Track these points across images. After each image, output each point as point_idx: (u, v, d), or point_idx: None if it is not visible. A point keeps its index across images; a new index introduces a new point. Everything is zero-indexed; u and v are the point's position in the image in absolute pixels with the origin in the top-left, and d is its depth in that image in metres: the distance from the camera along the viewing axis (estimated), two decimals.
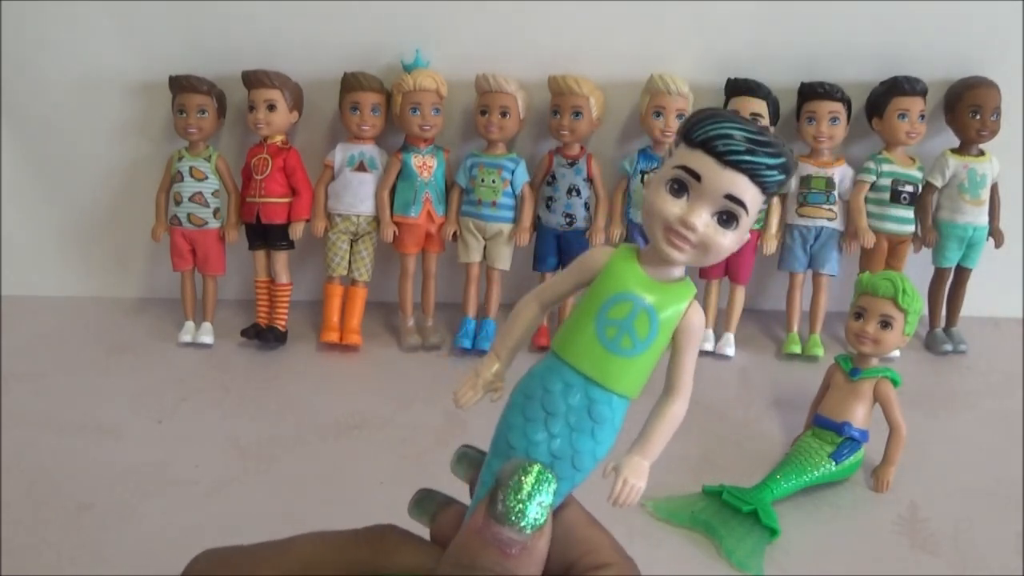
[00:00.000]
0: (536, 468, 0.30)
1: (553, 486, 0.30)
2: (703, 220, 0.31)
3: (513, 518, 0.29)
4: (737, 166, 0.30)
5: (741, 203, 0.31)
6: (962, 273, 1.10)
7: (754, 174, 0.30)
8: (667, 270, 0.32)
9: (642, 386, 0.32)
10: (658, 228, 0.31)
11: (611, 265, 0.32)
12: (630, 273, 0.32)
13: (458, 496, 0.34)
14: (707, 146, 0.30)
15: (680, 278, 0.32)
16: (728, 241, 0.31)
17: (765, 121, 1.03)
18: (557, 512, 0.31)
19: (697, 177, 0.30)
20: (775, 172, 0.31)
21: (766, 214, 1.06)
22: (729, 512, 0.73)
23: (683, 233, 0.31)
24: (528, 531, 0.28)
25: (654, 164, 1.04)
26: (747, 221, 0.31)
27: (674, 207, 0.31)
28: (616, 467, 0.32)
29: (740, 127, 0.30)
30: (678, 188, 0.31)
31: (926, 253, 1.09)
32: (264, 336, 1.03)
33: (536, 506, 0.29)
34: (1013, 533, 0.74)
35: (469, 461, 0.34)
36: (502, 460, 0.32)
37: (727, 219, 0.31)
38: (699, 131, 0.31)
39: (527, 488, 0.29)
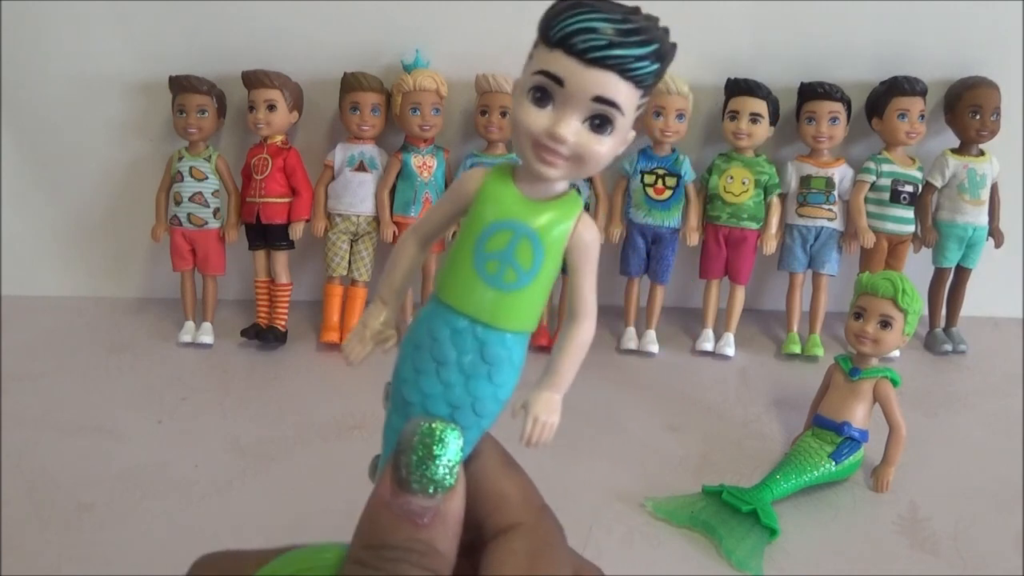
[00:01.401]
0: (438, 425, 0.27)
1: (459, 441, 0.27)
2: (573, 129, 0.27)
3: (420, 483, 0.26)
4: (602, 63, 0.26)
5: (613, 104, 0.27)
6: (962, 273, 1.10)
7: (623, 69, 0.27)
8: (546, 187, 0.29)
9: (537, 316, 0.30)
10: (527, 144, 0.28)
11: (484, 190, 0.29)
12: (505, 196, 0.29)
13: None
14: (566, 44, 0.26)
15: (563, 192, 0.29)
16: (605, 148, 0.28)
17: (765, 121, 1.03)
18: (466, 464, 0.29)
19: (559, 81, 0.27)
20: (647, 62, 0.27)
21: (766, 214, 1.06)
22: (729, 512, 0.73)
23: (552, 147, 0.28)
24: (438, 494, 0.26)
25: (654, 164, 1.05)
26: (624, 123, 0.28)
27: (539, 118, 0.28)
28: (525, 405, 0.30)
29: (601, 16, 0.26)
30: (541, 96, 0.28)
31: (926, 253, 1.09)
32: (264, 336, 1.03)
33: (443, 467, 0.27)
34: (1013, 533, 0.74)
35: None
36: (401, 417, 0.30)
37: (600, 124, 0.28)
38: (556, 27, 0.27)
39: (430, 448, 0.27)
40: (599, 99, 0.27)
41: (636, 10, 0.27)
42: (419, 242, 0.32)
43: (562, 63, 0.27)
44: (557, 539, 0.28)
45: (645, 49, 0.26)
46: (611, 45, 0.26)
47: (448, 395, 0.29)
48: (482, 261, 0.28)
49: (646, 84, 0.27)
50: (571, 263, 0.29)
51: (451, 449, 0.27)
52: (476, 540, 0.28)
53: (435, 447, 0.27)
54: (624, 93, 0.27)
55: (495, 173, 0.30)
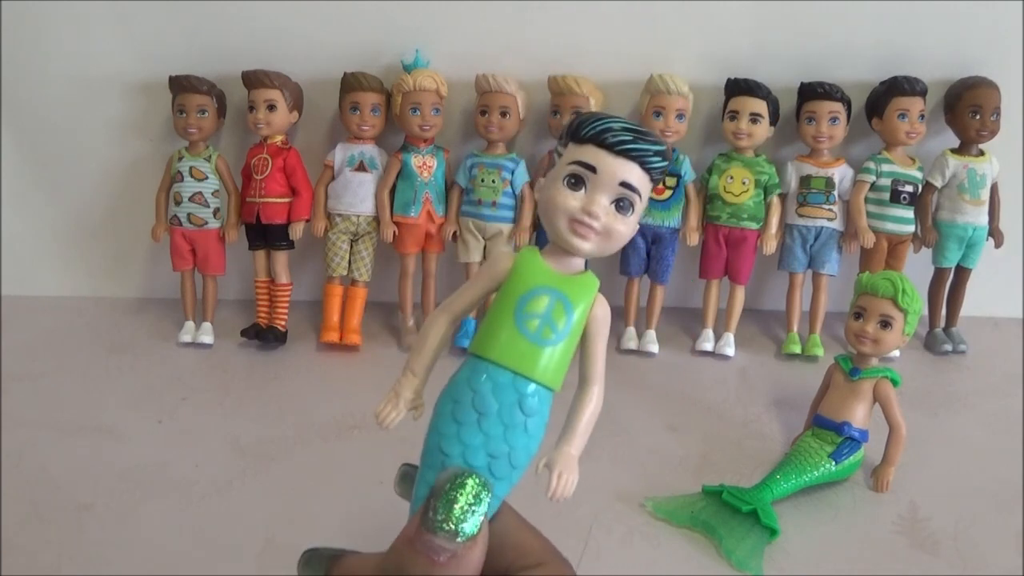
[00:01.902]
0: (472, 478, 0.30)
1: (488, 496, 0.30)
2: (603, 208, 0.33)
3: (446, 527, 0.29)
4: (627, 154, 0.33)
5: (635, 189, 0.33)
6: (962, 273, 1.10)
7: (642, 160, 0.33)
8: (570, 263, 0.35)
9: (562, 376, 0.34)
10: (562, 222, 0.34)
11: (519, 265, 0.34)
12: (539, 269, 0.34)
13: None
14: (597, 140, 0.33)
15: (583, 271, 0.35)
16: (626, 227, 0.34)
17: (765, 121, 1.03)
18: (492, 518, 0.32)
19: (592, 169, 0.33)
20: (659, 158, 0.34)
21: (766, 214, 1.06)
22: (729, 512, 0.73)
23: (588, 222, 0.33)
24: (461, 541, 0.28)
25: None
26: (640, 206, 0.34)
27: (574, 200, 0.33)
28: (548, 463, 0.33)
29: (620, 121, 0.34)
30: (575, 182, 0.34)
31: (926, 253, 1.09)
32: (264, 336, 1.03)
33: (471, 516, 0.29)
34: (1013, 533, 0.74)
35: (412, 479, 0.34)
36: (436, 471, 0.32)
37: (624, 205, 0.34)
38: (587, 128, 0.34)
39: (463, 498, 0.29)
40: (625, 184, 0.33)
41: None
42: (450, 320, 0.36)
43: (594, 154, 0.33)
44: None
45: (658, 147, 0.34)
46: (635, 140, 0.33)
47: (488, 445, 0.32)
48: (523, 320, 0.33)
49: (655, 176, 0.34)
50: (588, 333, 0.34)
51: (481, 502, 0.30)
52: None
53: (468, 496, 0.30)
54: (642, 180, 0.34)
55: (526, 252, 0.35)
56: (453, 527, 0.29)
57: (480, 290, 0.35)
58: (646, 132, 0.34)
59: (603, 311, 0.35)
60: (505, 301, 0.33)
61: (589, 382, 0.35)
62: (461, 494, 0.29)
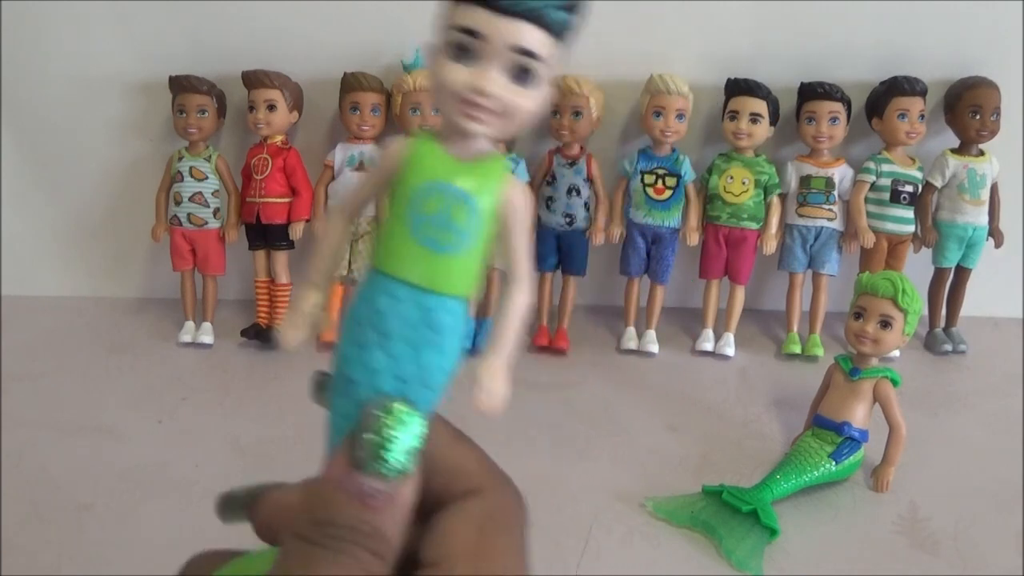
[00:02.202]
0: (399, 407, 0.26)
1: (421, 426, 0.26)
2: (496, 82, 0.27)
3: (376, 465, 0.25)
4: (515, 12, 0.27)
5: (533, 54, 0.27)
6: (962, 273, 1.10)
7: (539, 18, 0.27)
8: (471, 145, 0.29)
9: (476, 281, 0.29)
10: (451, 102, 0.28)
11: (412, 156, 0.29)
12: (434, 159, 0.28)
13: None
14: None
15: (488, 151, 0.29)
16: (530, 101, 0.28)
17: (765, 121, 1.03)
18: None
19: (477, 35, 0.27)
20: (561, 11, 0.27)
21: (766, 214, 1.06)
22: (729, 512, 0.73)
23: (478, 101, 0.27)
24: (393, 478, 0.25)
25: (654, 164, 1.05)
26: (545, 73, 0.28)
27: (462, 75, 0.27)
28: (475, 377, 0.29)
29: None
30: (460, 52, 0.27)
31: (926, 253, 1.09)
32: (264, 336, 1.03)
33: (403, 451, 0.26)
34: (1013, 533, 0.74)
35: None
36: (345, 398, 0.29)
37: (523, 76, 0.27)
38: None
39: (391, 430, 0.26)
40: (519, 49, 0.27)
41: None
42: (345, 219, 0.31)
43: (478, 15, 0.27)
44: (516, 513, 0.27)
45: None
46: None
47: (395, 368, 0.28)
48: (419, 225, 0.28)
49: (560, 33, 0.27)
50: (503, 226, 0.29)
51: (413, 433, 0.26)
52: (433, 510, 0.27)
53: (396, 429, 0.26)
54: (543, 43, 0.27)
55: (420, 139, 0.29)
56: (384, 463, 0.25)
57: (372, 182, 0.30)
58: None
59: (519, 197, 0.29)
60: (397, 203, 0.28)
61: (511, 281, 0.30)
62: (390, 426, 0.26)
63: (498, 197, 0.28)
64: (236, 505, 0.30)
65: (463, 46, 0.27)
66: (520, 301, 0.30)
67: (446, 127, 0.29)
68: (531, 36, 0.27)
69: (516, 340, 0.30)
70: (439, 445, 0.27)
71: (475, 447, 0.28)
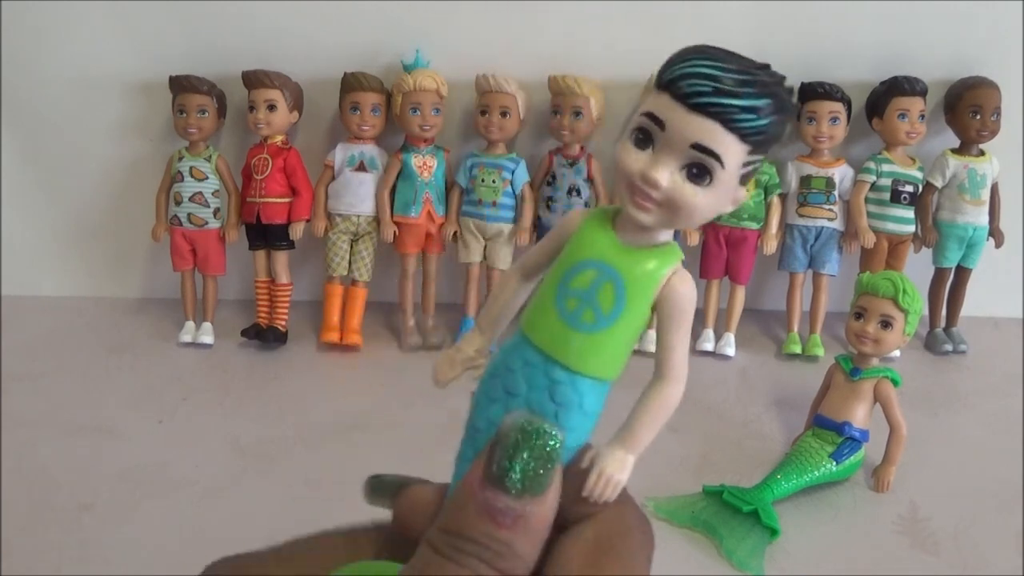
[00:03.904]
0: (541, 425, 0.26)
1: (555, 448, 0.26)
2: (666, 174, 0.26)
3: (506, 481, 0.25)
4: (705, 110, 0.25)
5: (713, 154, 0.26)
6: (962, 273, 1.10)
7: (726, 119, 0.25)
8: (645, 235, 0.28)
9: (617, 367, 0.28)
10: (623, 186, 0.28)
11: (582, 229, 0.28)
12: (600, 238, 0.28)
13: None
14: (673, 88, 0.26)
15: (663, 243, 0.28)
16: (701, 200, 0.27)
17: None
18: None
19: (661, 124, 0.26)
20: (753, 116, 0.26)
21: (766, 214, 1.06)
22: (729, 512, 0.73)
23: (645, 190, 0.27)
24: (523, 496, 0.25)
25: None
26: (725, 176, 0.26)
27: (637, 161, 0.27)
28: (594, 457, 0.28)
29: (715, 64, 0.25)
30: (643, 138, 0.27)
31: (926, 253, 1.09)
32: (264, 336, 1.03)
33: (531, 469, 0.25)
34: (1013, 533, 0.74)
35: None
36: (469, 445, 0.29)
37: (698, 173, 0.26)
38: (669, 71, 0.26)
39: (523, 449, 0.25)
40: (697, 146, 0.26)
41: (762, 66, 0.26)
42: (520, 276, 0.31)
43: (666, 106, 0.26)
44: (634, 537, 0.26)
45: (754, 101, 0.25)
46: (716, 92, 0.25)
47: None
48: (563, 297, 0.28)
49: (754, 140, 0.26)
50: (660, 315, 0.28)
51: (546, 453, 0.26)
52: (556, 531, 0.27)
53: (529, 448, 0.25)
54: (726, 145, 0.26)
55: (596, 214, 0.29)
56: (517, 482, 0.25)
57: (548, 248, 0.30)
58: (746, 80, 0.25)
59: (683, 289, 0.28)
60: (554, 272, 0.28)
61: (659, 375, 0.29)
62: (522, 443, 0.25)
63: (656, 286, 0.28)
64: (384, 492, 0.30)
65: (647, 132, 0.27)
66: (667, 400, 0.28)
67: (624, 215, 0.28)
68: (713, 136, 0.26)
69: (649, 439, 0.28)
70: (572, 547, 0.27)
71: (606, 567, 0.27)
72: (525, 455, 0.25)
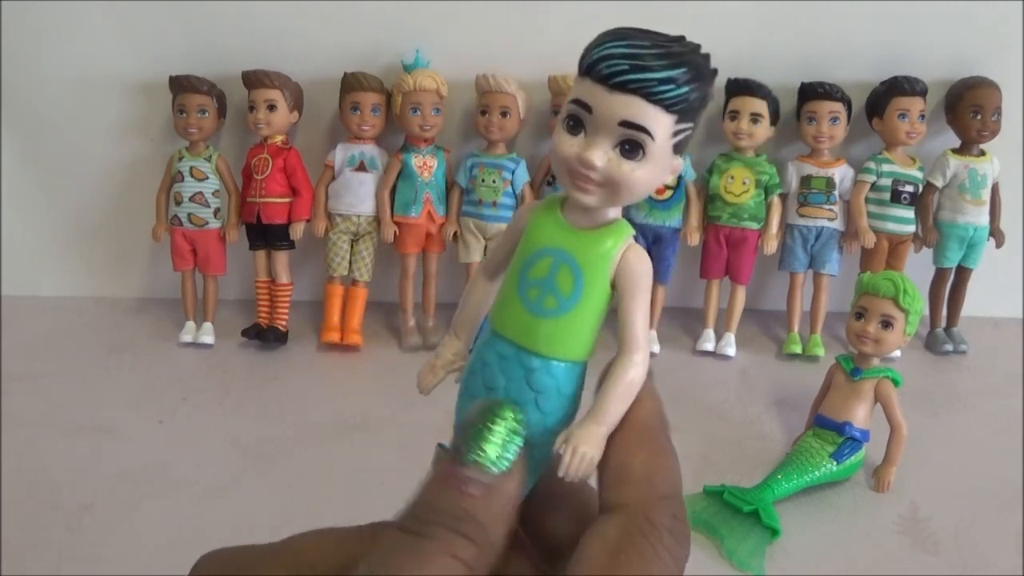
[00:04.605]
0: (500, 406, 0.27)
1: (519, 428, 0.27)
2: (601, 155, 0.27)
3: (473, 455, 0.26)
4: (624, 87, 0.26)
5: (641, 128, 0.27)
6: (963, 273, 1.10)
7: (647, 92, 0.26)
8: (592, 215, 0.29)
9: (587, 346, 0.29)
10: (562, 172, 0.28)
11: (532, 220, 0.30)
12: (550, 225, 0.29)
13: None
14: (592, 71, 0.27)
15: (611, 220, 0.29)
16: (639, 174, 0.27)
17: (765, 121, 1.03)
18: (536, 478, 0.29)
19: (588, 108, 0.27)
20: (672, 86, 0.26)
21: (767, 214, 1.06)
22: (730, 512, 0.73)
23: (583, 172, 0.28)
24: (490, 470, 0.26)
25: None
26: (657, 148, 0.27)
27: (571, 146, 0.28)
28: (567, 436, 0.28)
29: (629, 42, 0.27)
30: (574, 124, 0.28)
31: (926, 253, 1.09)
32: (265, 336, 1.03)
33: (498, 445, 0.27)
34: (1013, 533, 0.74)
35: None
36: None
37: (630, 149, 0.27)
38: (587, 56, 0.28)
39: (490, 425, 0.27)
40: (625, 123, 0.27)
41: (676, 38, 0.27)
42: (488, 276, 0.32)
43: (589, 90, 0.27)
44: (660, 535, 0.26)
45: (670, 72, 0.26)
46: (633, 69, 0.26)
47: None
48: (524, 288, 0.29)
49: (678, 108, 0.27)
50: (619, 291, 0.29)
51: (511, 432, 0.27)
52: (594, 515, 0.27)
53: (495, 425, 0.27)
54: (652, 117, 0.27)
55: (545, 204, 0.30)
56: (481, 456, 0.26)
57: (506, 244, 0.31)
58: (660, 52, 0.27)
59: (636, 262, 0.29)
60: (513, 264, 0.30)
61: (621, 348, 0.29)
62: (489, 420, 0.27)
63: (611, 263, 0.29)
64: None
65: (577, 118, 0.28)
66: (630, 373, 0.29)
67: (571, 198, 0.29)
68: (638, 111, 0.27)
69: (619, 412, 0.29)
70: (622, 441, 0.28)
71: (662, 456, 0.28)
72: (489, 433, 0.27)
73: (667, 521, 0.26)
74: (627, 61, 0.26)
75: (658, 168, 0.28)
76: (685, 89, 0.27)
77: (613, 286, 0.29)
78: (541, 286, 0.29)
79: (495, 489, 0.26)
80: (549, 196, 0.30)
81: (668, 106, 0.27)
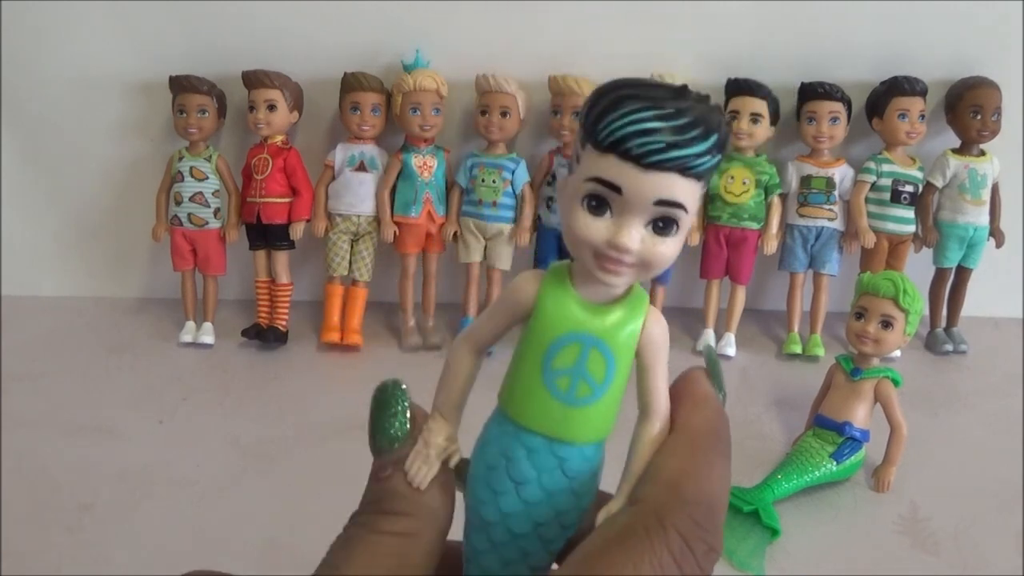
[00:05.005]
0: (381, 392, 0.29)
1: (402, 394, 0.28)
2: (637, 237, 0.25)
3: (379, 440, 0.28)
4: (662, 166, 0.24)
5: (677, 205, 0.25)
6: (963, 273, 1.10)
7: (684, 169, 0.24)
8: (607, 288, 0.27)
9: (613, 420, 0.28)
10: (587, 255, 0.26)
11: (543, 299, 0.27)
12: (567, 305, 0.27)
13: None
14: (619, 149, 0.24)
15: (626, 291, 0.27)
16: (671, 248, 0.26)
17: (765, 121, 1.03)
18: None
19: (617, 189, 0.25)
20: (708, 157, 0.25)
21: (767, 214, 1.06)
22: (730, 512, 0.73)
23: (617, 257, 0.26)
24: (391, 446, 0.28)
25: None
26: (688, 218, 0.26)
27: (599, 229, 0.25)
28: (607, 514, 0.27)
29: (652, 112, 0.24)
30: (597, 205, 0.25)
31: (926, 253, 1.09)
32: (265, 336, 1.03)
33: (389, 418, 0.28)
34: (1013, 533, 0.74)
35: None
36: (481, 536, 0.29)
37: (665, 225, 0.26)
38: (605, 130, 0.25)
39: (382, 408, 0.28)
40: (662, 202, 0.25)
41: (684, 92, 0.25)
42: (473, 350, 0.29)
43: (617, 169, 0.25)
44: (667, 535, 0.24)
45: (705, 144, 0.24)
46: (670, 147, 0.24)
47: (531, 512, 0.28)
48: (552, 378, 0.27)
49: (708, 177, 0.26)
50: (642, 361, 0.28)
51: (400, 403, 0.28)
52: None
53: (385, 404, 0.28)
54: (687, 191, 0.25)
55: (552, 278, 0.27)
56: (384, 436, 0.28)
57: (501, 322, 0.29)
58: (690, 122, 0.24)
59: (659, 331, 0.27)
60: (530, 352, 0.27)
61: (647, 416, 0.28)
62: (379, 402, 0.28)
63: (637, 336, 0.27)
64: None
65: (602, 198, 0.25)
66: (659, 434, 0.28)
67: (581, 270, 0.27)
68: (675, 188, 0.25)
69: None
70: (666, 452, 0.27)
71: (700, 463, 0.27)
72: (382, 413, 0.28)
73: (682, 524, 0.25)
74: (662, 138, 0.24)
75: (683, 239, 0.27)
76: (718, 158, 0.25)
77: (636, 354, 0.28)
78: (572, 375, 0.27)
79: (404, 456, 0.28)
80: (553, 267, 0.28)
81: (700, 176, 0.25)
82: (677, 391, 0.28)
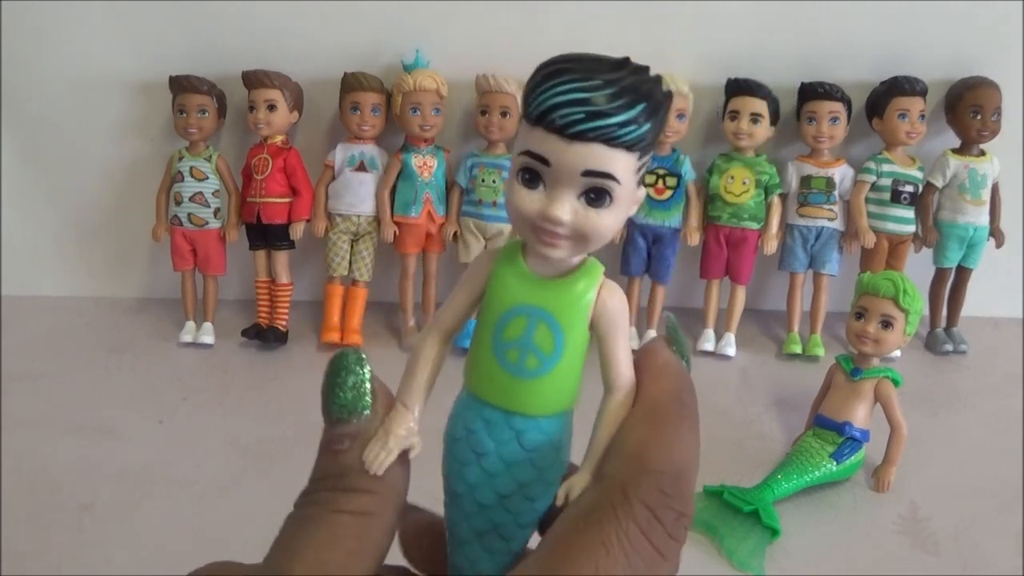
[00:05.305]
0: (342, 353, 0.28)
1: (364, 365, 0.27)
2: (567, 208, 0.26)
3: (333, 410, 0.27)
4: (584, 136, 0.24)
5: (606, 175, 0.25)
6: (963, 273, 1.10)
7: (609, 138, 0.24)
8: (559, 262, 0.27)
9: (573, 393, 0.28)
10: (525, 228, 0.27)
11: (495, 273, 0.28)
12: (516, 279, 0.27)
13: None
14: (545, 121, 0.25)
15: (579, 263, 0.28)
16: (607, 220, 0.26)
17: (765, 121, 1.03)
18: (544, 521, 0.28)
19: (545, 161, 0.25)
20: (634, 126, 0.24)
21: (767, 214, 1.06)
22: (730, 512, 0.73)
23: (550, 228, 0.26)
24: (352, 418, 0.27)
25: (654, 164, 1.04)
26: (622, 190, 0.26)
27: (532, 201, 0.26)
28: (567, 489, 0.27)
29: (579, 84, 0.24)
30: (530, 178, 0.26)
31: (927, 253, 1.09)
32: (265, 336, 1.03)
33: (350, 390, 0.27)
34: (1013, 533, 0.74)
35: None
36: (452, 508, 0.29)
37: (596, 197, 0.26)
38: (534, 103, 0.25)
39: (337, 374, 0.27)
40: (589, 172, 0.25)
41: (622, 63, 0.25)
42: (441, 338, 0.29)
43: (544, 141, 0.25)
44: (631, 507, 0.24)
45: (631, 112, 0.24)
46: (591, 116, 0.24)
47: (494, 484, 0.28)
48: (501, 351, 0.27)
49: (640, 146, 0.25)
50: (598, 332, 0.28)
51: (356, 372, 0.27)
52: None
53: (341, 372, 0.27)
54: (615, 161, 0.25)
55: (505, 254, 0.28)
56: (339, 407, 0.27)
57: (463, 301, 0.29)
58: (614, 92, 0.24)
59: (613, 302, 0.27)
60: (482, 324, 0.28)
61: (609, 388, 0.28)
62: (336, 370, 0.27)
63: (588, 309, 0.27)
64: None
65: (533, 171, 0.26)
66: (622, 407, 0.28)
67: (532, 245, 0.28)
68: (601, 158, 0.25)
69: None
70: (628, 425, 0.27)
71: (663, 431, 0.27)
72: (338, 382, 0.27)
73: (648, 495, 0.24)
74: (581, 108, 0.24)
75: (624, 208, 0.27)
76: (647, 127, 0.25)
77: (591, 326, 0.28)
78: (520, 347, 0.27)
79: (364, 430, 0.27)
80: (508, 243, 0.28)
81: (630, 146, 0.25)
82: (638, 363, 0.28)
